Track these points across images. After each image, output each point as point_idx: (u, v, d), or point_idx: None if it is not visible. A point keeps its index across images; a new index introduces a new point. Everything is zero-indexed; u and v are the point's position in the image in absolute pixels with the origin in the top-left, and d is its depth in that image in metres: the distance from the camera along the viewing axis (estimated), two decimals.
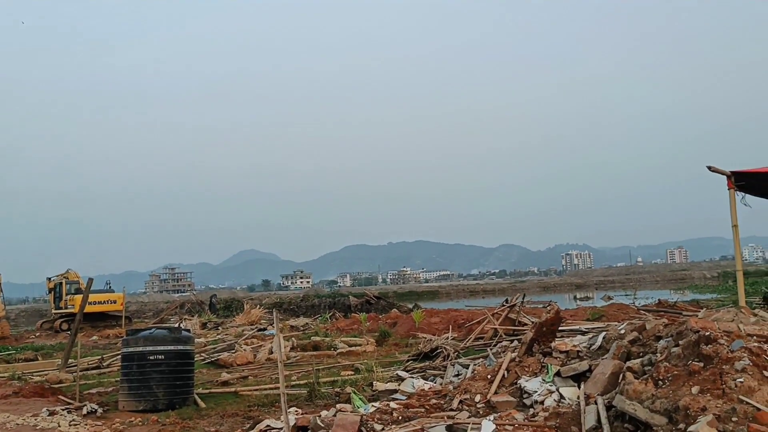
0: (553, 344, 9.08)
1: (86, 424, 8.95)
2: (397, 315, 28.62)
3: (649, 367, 6.91)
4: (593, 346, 8.89)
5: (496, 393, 8.41)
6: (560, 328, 10.71)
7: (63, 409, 10.02)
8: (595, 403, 7.04)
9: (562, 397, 7.82)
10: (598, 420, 6.69)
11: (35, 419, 9.32)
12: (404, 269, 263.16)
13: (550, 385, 8.09)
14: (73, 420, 9.22)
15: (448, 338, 15.53)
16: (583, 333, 12.26)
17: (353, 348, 17.78)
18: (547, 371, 8.42)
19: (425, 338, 17.20)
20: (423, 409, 8.30)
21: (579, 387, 7.87)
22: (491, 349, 12.43)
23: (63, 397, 11.39)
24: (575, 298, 53.57)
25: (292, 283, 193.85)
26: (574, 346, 8.82)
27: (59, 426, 8.79)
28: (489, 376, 8.99)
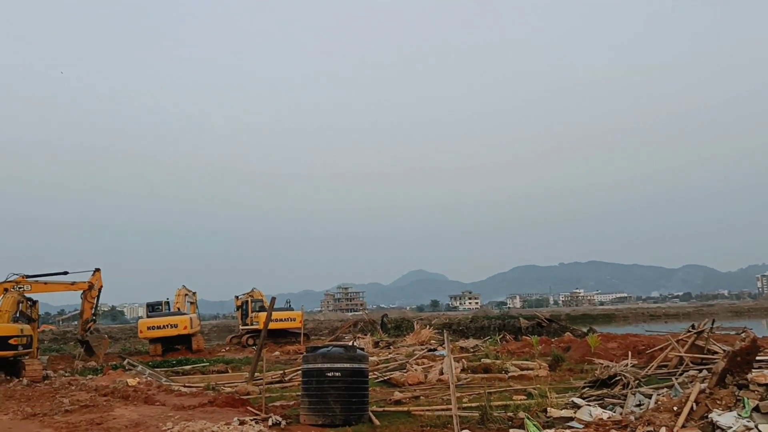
0: (749, 376, 8.29)
1: None
2: (570, 339, 27.57)
3: None
4: None
5: (683, 426, 7.83)
6: (757, 358, 9.73)
7: (251, 420, 10.79)
8: None
9: None
10: None
11: (227, 428, 10.12)
12: (577, 291, 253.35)
13: (747, 421, 7.39)
14: (261, 430, 9.89)
15: (627, 365, 14.67)
16: None
17: (525, 372, 17.39)
18: (744, 405, 7.70)
19: (602, 364, 16.38)
20: None
21: None
22: (676, 379, 11.59)
23: (251, 408, 12.26)
24: None
25: (460, 303, 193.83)
26: None
27: None
28: (675, 408, 8.40)
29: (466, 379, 16.59)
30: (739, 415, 7.61)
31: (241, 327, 40.01)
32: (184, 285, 39.86)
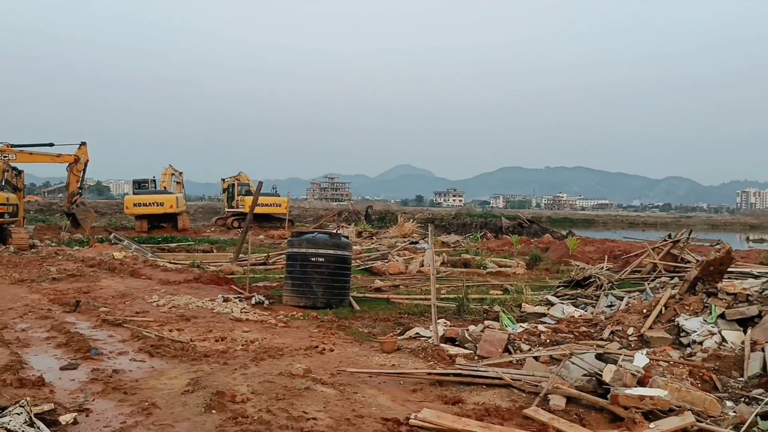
0: (719, 285, 8.56)
1: (255, 313, 9.83)
2: (549, 240, 28.14)
3: None
4: (766, 292, 8.28)
5: (650, 328, 8.16)
6: (729, 270, 10.02)
7: (235, 298, 11.08)
8: (762, 350, 6.64)
9: (724, 340, 7.45)
10: (764, 368, 6.33)
11: (212, 303, 10.40)
12: (560, 195, 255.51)
13: (712, 327, 7.70)
14: (244, 308, 10.16)
15: (602, 268, 15.10)
16: (755, 277, 11.38)
17: (503, 269, 17.83)
18: (710, 312, 8.00)
19: (578, 266, 16.84)
20: (572, 336, 8.26)
21: (745, 332, 7.43)
22: (649, 284, 11.96)
23: (235, 287, 12.56)
24: (747, 239, 49.42)
25: (444, 200, 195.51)
26: (744, 289, 8.26)
27: (232, 312, 9.74)
28: (644, 311, 8.71)
29: (445, 272, 17.00)
30: (704, 320, 7.91)
31: (226, 209, 40.27)
32: (170, 164, 39.66)
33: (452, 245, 26.20)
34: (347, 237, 12.92)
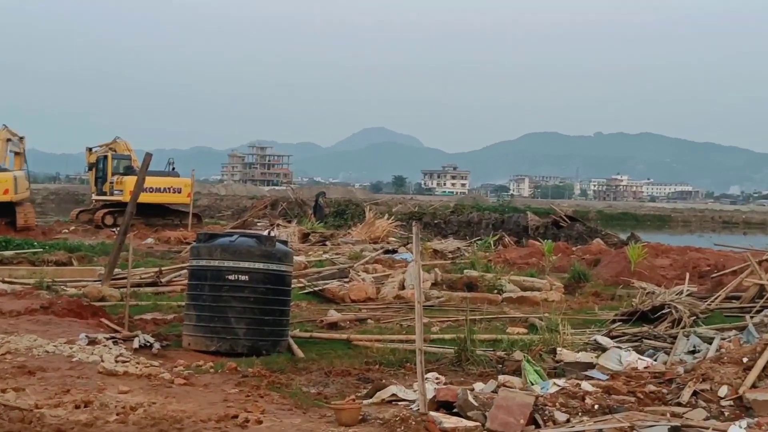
0: None
1: (138, 363, 9.72)
2: (600, 248, 28.42)
3: None
4: None
5: (754, 386, 8.25)
6: None
7: (107, 338, 10.94)
8: None
9: None
10: None
11: (70, 348, 10.28)
12: (617, 177, 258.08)
13: None
14: (121, 355, 10.05)
15: (681, 293, 15.28)
16: None
17: (528, 293, 17.93)
18: None
19: (644, 289, 16.99)
20: (633, 398, 8.32)
21: None
22: (752, 317, 12.12)
23: (107, 321, 12.44)
24: None
25: (438, 183, 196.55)
26: None
27: (102, 361, 9.63)
28: (745, 360, 8.81)
29: (439, 297, 17.04)
30: None
31: (95, 196, 40.01)
32: (5, 125, 39.12)
33: (450, 255, 26.29)
34: (286, 242, 12.90)
